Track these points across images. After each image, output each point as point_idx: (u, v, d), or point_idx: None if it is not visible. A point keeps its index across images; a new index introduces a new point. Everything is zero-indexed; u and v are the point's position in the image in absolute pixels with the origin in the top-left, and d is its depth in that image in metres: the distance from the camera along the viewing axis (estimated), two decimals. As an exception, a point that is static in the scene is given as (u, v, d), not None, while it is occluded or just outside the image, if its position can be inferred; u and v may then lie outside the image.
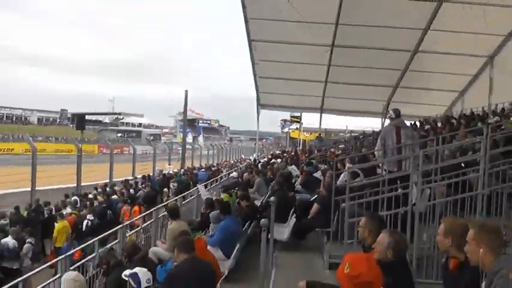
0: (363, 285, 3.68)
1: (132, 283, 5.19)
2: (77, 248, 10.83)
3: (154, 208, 13.02)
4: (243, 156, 61.04)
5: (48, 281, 8.02)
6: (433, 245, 7.19)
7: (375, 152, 10.27)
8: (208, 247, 8.09)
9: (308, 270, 8.62)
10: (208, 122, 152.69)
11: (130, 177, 28.49)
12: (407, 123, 10.65)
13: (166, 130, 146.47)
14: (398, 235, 4.73)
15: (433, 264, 7.16)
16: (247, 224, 10.60)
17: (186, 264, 5.94)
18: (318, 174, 14.88)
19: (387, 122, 11.08)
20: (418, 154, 7.98)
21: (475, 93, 28.24)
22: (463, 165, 8.57)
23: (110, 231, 11.90)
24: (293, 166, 19.42)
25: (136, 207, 18.42)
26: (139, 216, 14.69)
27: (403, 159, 8.88)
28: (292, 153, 31.41)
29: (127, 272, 5.41)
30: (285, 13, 22.86)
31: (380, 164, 9.50)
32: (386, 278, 4.12)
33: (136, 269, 5.41)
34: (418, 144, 9.83)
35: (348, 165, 11.15)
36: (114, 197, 20.85)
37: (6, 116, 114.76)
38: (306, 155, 23.09)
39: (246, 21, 25.43)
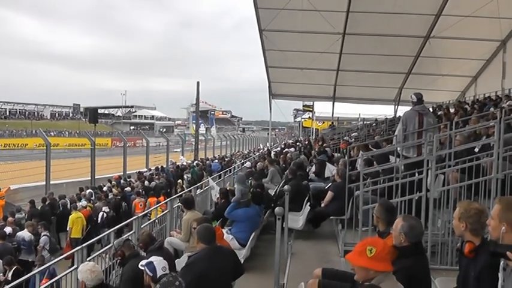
0: (389, 255, 3.73)
1: (148, 272, 5.25)
2: (93, 240, 10.88)
3: (169, 199, 13.06)
4: (261, 145, 60.96)
5: (65, 272, 8.09)
6: (448, 231, 7.18)
7: (395, 136, 10.20)
8: (224, 236, 8.11)
9: (323, 258, 8.63)
10: (212, 111, 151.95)
11: (144, 169, 28.62)
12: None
13: (179, 122, 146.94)
14: (412, 219, 4.71)
15: (447, 251, 7.14)
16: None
17: (206, 253, 5.95)
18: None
19: (401, 108, 11.02)
20: (432, 139, 7.94)
21: (488, 78, 28.06)
22: (476, 150, 8.53)
23: (125, 222, 12.00)
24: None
25: (154, 199, 18.54)
26: (154, 207, 14.76)
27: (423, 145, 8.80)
28: (306, 142, 31.40)
29: (143, 261, 5.47)
30: (295, 1, 22.78)
31: (397, 149, 9.42)
32: (403, 261, 4.13)
33: (152, 258, 5.46)
34: (437, 131, 9.76)
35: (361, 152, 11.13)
36: (128, 189, 20.96)
37: (20, 112, 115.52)
38: (319, 144, 23.05)
39: (256, 11, 25.40)
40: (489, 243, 3.72)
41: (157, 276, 5.22)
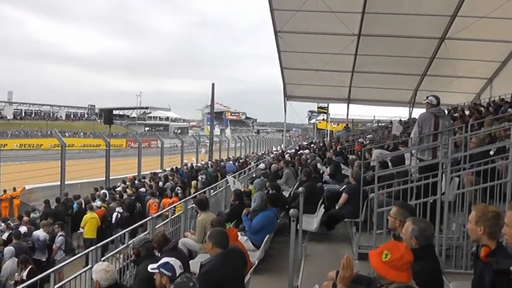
0: (406, 265, 3.67)
1: (166, 272, 5.23)
2: (107, 240, 10.91)
3: (184, 200, 13.09)
4: (275, 148, 60.95)
5: (80, 272, 8.12)
6: (462, 235, 7.12)
7: (410, 138, 10.13)
8: (239, 238, 8.10)
9: (337, 260, 8.52)
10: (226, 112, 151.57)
11: (159, 170, 28.70)
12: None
13: (194, 123, 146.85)
14: (422, 222, 4.65)
15: (462, 254, 7.09)
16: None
17: (221, 259, 5.91)
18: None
19: (415, 110, 10.94)
20: (447, 142, 7.86)
21: (504, 80, 27.86)
22: (491, 153, 8.45)
23: (139, 222, 12.04)
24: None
25: (168, 199, 18.55)
26: (169, 207, 14.79)
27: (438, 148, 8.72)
28: (321, 144, 31.34)
29: (154, 265, 5.44)
30: (310, 3, 22.76)
31: (412, 152, 9.35)
32: (415, 264, 4.10)
33: (165, 259, 5.45)
34: (452, 134, 9.68)
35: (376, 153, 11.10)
36: (143, 190, 21.01)
37: (35, 113, 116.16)
38: (334, 146, 22.98)
39: (272, 12, 25.41)
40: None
41: (177, 274, 5.23)
